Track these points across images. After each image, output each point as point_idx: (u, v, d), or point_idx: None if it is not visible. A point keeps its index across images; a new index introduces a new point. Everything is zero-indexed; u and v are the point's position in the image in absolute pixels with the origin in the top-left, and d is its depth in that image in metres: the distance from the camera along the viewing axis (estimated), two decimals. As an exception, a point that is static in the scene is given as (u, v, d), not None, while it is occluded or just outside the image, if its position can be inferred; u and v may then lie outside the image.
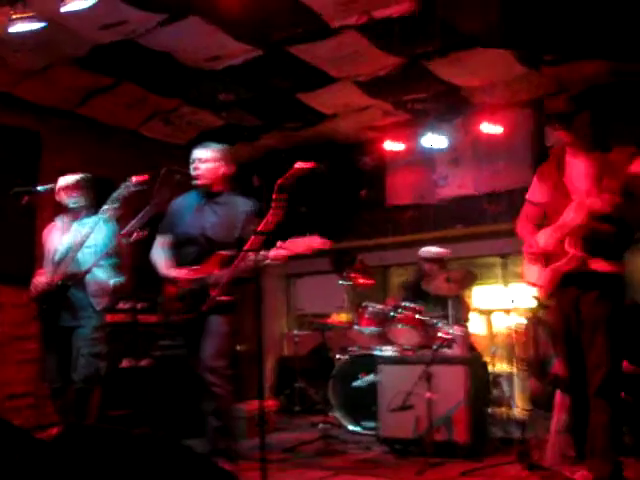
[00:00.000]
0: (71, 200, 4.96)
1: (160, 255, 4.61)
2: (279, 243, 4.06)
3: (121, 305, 6.36)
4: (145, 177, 4.57)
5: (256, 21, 5.47)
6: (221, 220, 4.42)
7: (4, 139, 6.58)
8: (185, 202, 4.63)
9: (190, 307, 4.33)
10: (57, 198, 5.04)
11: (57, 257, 4.85)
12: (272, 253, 4.02)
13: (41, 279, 4.84)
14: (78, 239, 4.73)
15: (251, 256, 3.87)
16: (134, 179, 4.61)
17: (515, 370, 7.09)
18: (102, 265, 4.82)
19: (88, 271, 4.62)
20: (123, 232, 4.09)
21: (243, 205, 4.46)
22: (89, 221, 4.83)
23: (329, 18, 5.51)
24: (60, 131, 7.08)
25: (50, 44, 5.65)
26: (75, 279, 4.72)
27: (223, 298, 3.84)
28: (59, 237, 4.97)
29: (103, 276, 4.86)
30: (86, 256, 4.79)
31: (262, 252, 3.93)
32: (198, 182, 4.46)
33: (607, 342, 3.50)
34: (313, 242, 3.99)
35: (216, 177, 4.49)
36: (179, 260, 4.52)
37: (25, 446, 3.42)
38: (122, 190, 4.63)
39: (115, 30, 5.52)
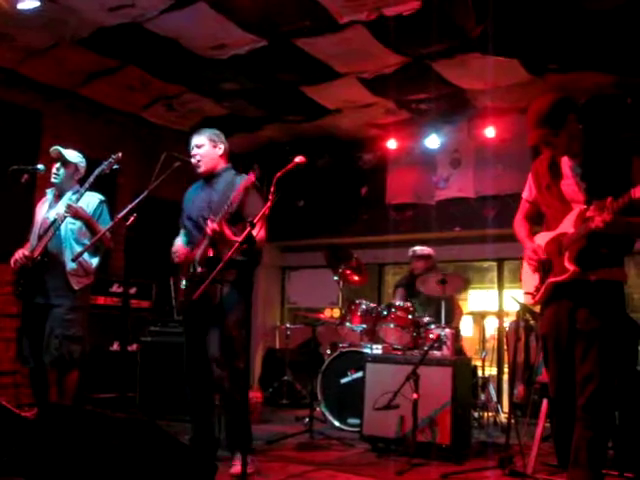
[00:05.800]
0: (53, 173, 4.85)
1: (176, 244, 4.49)
2: None
3: (114, 289, 6.37)
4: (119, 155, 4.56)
5: (263, 11, 5.46)
6: (219, 195, 4.30)
7: (6, 117, 6.57)
8: (191, 191, 4.58)
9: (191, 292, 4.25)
10: None
11: (41, 231, 4.73)
12: None
13: (23, 252, 4.69)
14: (61, 214, 4.62)
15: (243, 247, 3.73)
16: (117, 156, 4.57)
17: (504, 375, 7.11)
18: (84, 244, 4.67)
19: (76, 258, 4.48)
20: (120, 215, 4.06)
21: (240, 179, 4.27)
22: (73, 198, 4.72)
23: (337, 13, 5.48)
24: (62, 111, 7.07)
25: (57, 23, 5.65)
26: (55, 256, 4.62)
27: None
28: (46, 211, 4.87)
29: (85, 255, 4.64)
30: (68, 232, 4.70)
31: None
32: (200, 170, 4.40)
33: (601, 355, 3.34)
34: None
35: (214, 159, 4.41)
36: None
37: (8, 423, 3.43)
38: (103, 167, 4.57)
39: (122, 13, 5.50)
